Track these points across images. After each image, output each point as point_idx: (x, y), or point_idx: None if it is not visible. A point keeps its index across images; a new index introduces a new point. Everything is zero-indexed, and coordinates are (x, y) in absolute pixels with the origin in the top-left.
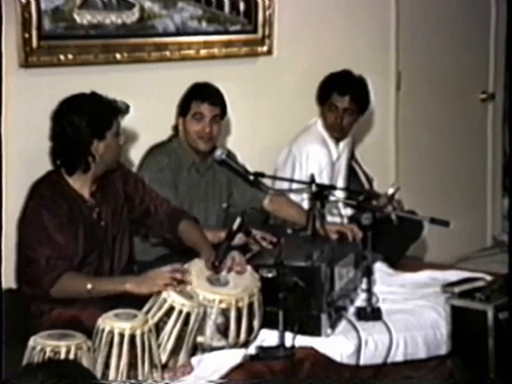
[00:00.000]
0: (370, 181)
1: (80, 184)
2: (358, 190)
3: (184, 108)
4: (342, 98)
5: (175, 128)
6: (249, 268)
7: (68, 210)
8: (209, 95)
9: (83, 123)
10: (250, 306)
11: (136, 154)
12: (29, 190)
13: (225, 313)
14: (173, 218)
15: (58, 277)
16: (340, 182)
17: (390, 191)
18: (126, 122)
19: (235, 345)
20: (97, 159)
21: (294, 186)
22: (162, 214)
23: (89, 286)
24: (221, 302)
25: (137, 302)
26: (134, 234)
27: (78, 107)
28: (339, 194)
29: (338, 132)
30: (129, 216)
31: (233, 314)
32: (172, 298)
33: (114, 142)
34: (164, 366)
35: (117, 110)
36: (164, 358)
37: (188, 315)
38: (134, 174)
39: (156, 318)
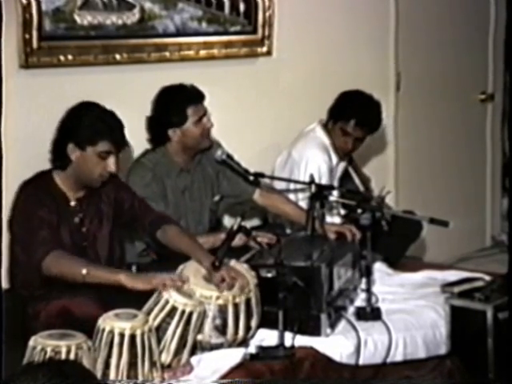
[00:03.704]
0: (365, 183)
1: (67, 187)
2: (355, 190)
3: (179, 119)
4: (359, 129)
5: (155, 140)
6: (245, 265)
7: (54, 208)
8: (197, 95)
9: (70, 123)
10: (248, 302)
11: (136, 154)
12: (17, 189)
13: (222, 309)
14: (153, 224)
15: (51, 248)
16: (334, 184)
17: (381, 195)
18: (127, 121)
19: (233, 342)
20: (73, 164)
21: (292, 186)
22: (145, 220)
23: (84, 271)
24: (218, 298)
25: (126, 295)
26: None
27: (80, 110)
28: (336, 194)
29: (344, 154)
30: (117, 222)
31: (230, 311)
32: (174, 298)
33: (94, 160)
34: (168, 366)
35: (113, 134)
36: (168, 359)
37: (190, 314)
38: (126, 184)
39: (159, 319)
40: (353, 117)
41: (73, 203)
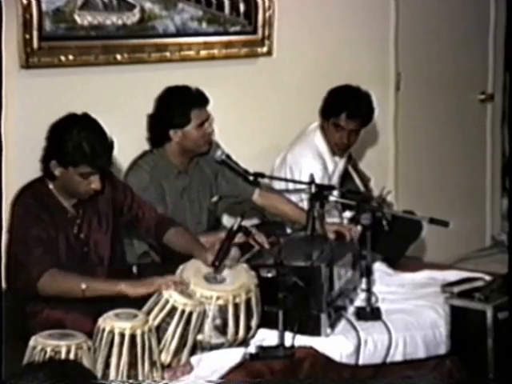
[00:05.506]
0: (365, 183)
1: (62, 195)
2: (355, 190)
3: (182, 120)
4: (351, 121)
5: (155, 139)
6: (244, 265)
7: (50, 220)
8: (202, 99)
9: (54, 141)
10: (248, 302)
11: (135, 154)
12: (14, 198)
13: (222, 309)
14: (159, 226)
15: (46, 269)
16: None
17: (382, 194)
18: (127, 122)
19: (234, 341)
20: (58, 179)
21: (292, 186)
22: (149, 221)
23: (83, 286)
24: (218, 298)
25: (125, 306)
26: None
27: (66, 127)
28: (336, 194)
29: (341, 150)
30: (117, 221)
31: (230, 311)
32: (174, 298)
33: (77, 179)
34: (168, 366)
35: (96, 156)
36: (168, 359)
37: (190, 314)
38: (122, 182)
39: (158, 319)
40: (343, 110)
41: (70, 212)
